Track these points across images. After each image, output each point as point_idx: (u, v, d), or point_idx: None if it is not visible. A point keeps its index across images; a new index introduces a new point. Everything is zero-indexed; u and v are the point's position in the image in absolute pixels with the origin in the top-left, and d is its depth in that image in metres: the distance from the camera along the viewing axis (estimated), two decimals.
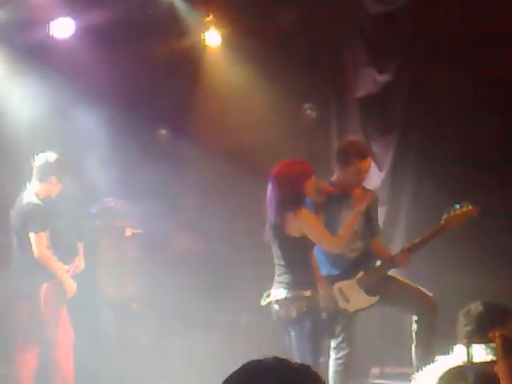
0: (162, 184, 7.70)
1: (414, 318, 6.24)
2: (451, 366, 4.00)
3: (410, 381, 4.85)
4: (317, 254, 6.20)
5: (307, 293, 5.75)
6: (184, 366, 7.01)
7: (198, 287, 7.29)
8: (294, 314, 5.74)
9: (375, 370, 7.17)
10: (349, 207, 6.26)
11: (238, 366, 1.84)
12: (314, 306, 5.76)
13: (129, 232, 7.69)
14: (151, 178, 7.60)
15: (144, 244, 7.67)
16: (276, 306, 5.81)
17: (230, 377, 1.82)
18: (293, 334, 5.76)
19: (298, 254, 5.80)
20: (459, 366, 3.99)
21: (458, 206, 6.19)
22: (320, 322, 5.82)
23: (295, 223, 5.75)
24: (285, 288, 5.77)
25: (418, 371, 5.77)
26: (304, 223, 5.77)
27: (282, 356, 1.87)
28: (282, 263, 5.81)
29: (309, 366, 1.86)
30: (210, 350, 7.10)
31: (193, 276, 7.32)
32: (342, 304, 6.12)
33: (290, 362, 1.84)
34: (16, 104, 7.65)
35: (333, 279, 6.17)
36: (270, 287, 5.86)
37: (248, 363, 1.84)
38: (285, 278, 5.79)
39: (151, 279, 7.39)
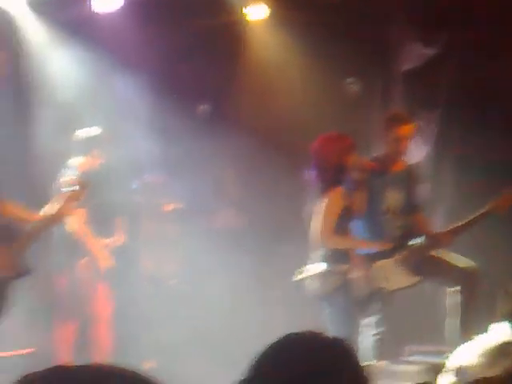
0: (203, 160, 7.69)
1: (453, 289, 6.13)
2: (492, 344, 3.95)
3: (446, 358, 4.80)
4: (357, 231, 6.14)
5: (342, 267, 5.72)
6: (223, 342, 7.02)
7: (241, 263, 7.27)
8: (328, 288, 5.70)
9: (411, 348, 7.11)
10: (393, 183, 6.19)
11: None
12: (348, 282, 5.71)
13: (169, 207, 7.70)
14: (192, 154, 7.60)
15: (185, 220, 7.67)
16: (311, 281, 5.78)
17: (266, 349, 1.84)
18: (328, 309, 5.73)
19: (336, 230, 5.75)
20: (502, 343, 3.94)
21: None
22: (354, 298, 5.78)
23: (326, 199, 5.72)
24: (320, 263, 5.74)
25: (453, 346, 5.74)
26: (326, 201, 5.70)
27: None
28: None
29: (343, 340, 1.87)
30: (251, 325, 7.11)
31: (235, 252, 7.30)
32: (381, 282, 6.07)
33: (325, 336, 1.85)
34: (58, 77, 7.68)
35: (372, 257, 6.12)
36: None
37: (283, 336, 1.86)
38: (320, 252, 5.75)
39: (192, 255, 7.39)
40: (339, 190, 5.72)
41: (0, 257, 4.45)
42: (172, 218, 7.68)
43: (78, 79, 7.60)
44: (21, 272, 4.64)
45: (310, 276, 5.78)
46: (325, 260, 5.74)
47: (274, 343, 1.84)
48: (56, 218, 4.91)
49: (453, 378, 4.06)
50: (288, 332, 1.86)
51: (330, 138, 5.90)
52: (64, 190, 5.07)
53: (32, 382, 1.49)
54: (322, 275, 5.72)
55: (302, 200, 5.96)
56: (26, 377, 1.50)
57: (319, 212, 5.71)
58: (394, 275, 6.08)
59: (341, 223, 5.72)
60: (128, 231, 7.11)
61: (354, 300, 5.78)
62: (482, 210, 6.15)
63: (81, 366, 1.53)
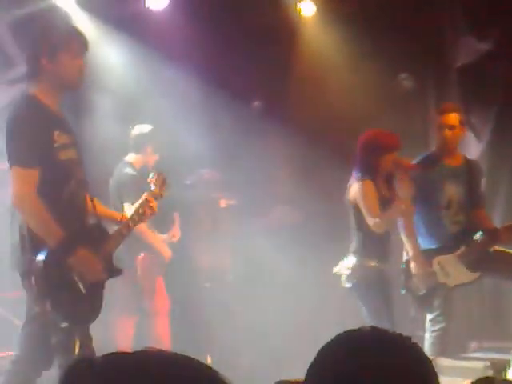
0: (257, 156, 7.67)
1: None
2: None
3: (511, 354, 4.74)
4: (417, 226, 6.11)
5: (372, 262, 5.75)
6: (278, 336, 7.00)
7: (296, 259, 7.23)
8: (356, 283, 5.75)
9: (474, 344, 7.04)
10: (453, 177, 6.14)
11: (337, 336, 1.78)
12: (379, 277, 5.77)
13: (224, 203, 7.69)
14: (246, 150, 7.58)
15: (239, 215, 7.66)
16: (343, 275, 5.84)
17: (327, 346, 1.77)
18: (361, 302, 5.80)
19: (361, 223, 5.82)
20: None
21: None
22: (387, 295, 5.82)
23: (355, 192, 5.84)
24: (352, 256, 5.79)
25: None
26: (359, 193, 5.81)
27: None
28: (352, 231, 5.95)
29: (408, 337, 1.78)
30: (308, 320, 7.08)
31: (290, 248, 7.27)
32: (441, 278, 6.02)
33: (388, 332, 1.77)
34: (111, 75, 7.70)
35: (432, 253, 6.07)
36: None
37: (344, 333, 1.78)
38: (352, 246, 5.88)
39: (246, 250, 7.38)
40: (368, 182, 5.81)
41: (93, 258, 4.41)
42: (227, 213, 7.68)
43: (130, 76, 7.61)
44: (113, 272, 4.63)
45: (342, 269, 5.82)
46: (355, 254, 5.83)
47: (334, 339, 1.77)
48: (143, 218, 4.91)
49: None
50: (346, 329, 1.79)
51: (376, 133, 6.02)
52: (148, 188, 5.07)
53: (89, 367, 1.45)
54: (351, 269, 5.78)
55: None
56: (82, 361, 1.46)
57: (361, 204, 5.81)
58: (455, 271, 6.03)
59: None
60: (183, 227, 7.12)
61: (384, 295, 5.82)
62: None
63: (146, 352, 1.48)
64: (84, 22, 7.80)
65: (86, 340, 4.39)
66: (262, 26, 7.98)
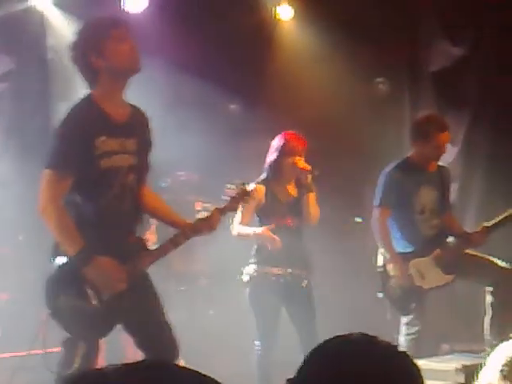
0: (233, 158, 7.68)
1: (489, 289, 6.16)
2: None
3: (482, 358, 4.78)
4: (392, 231, 6.16)
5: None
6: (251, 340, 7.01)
7: None
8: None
9: (445, 346, 7.10)
10: (427, 183, 6.20)
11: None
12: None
13: (199, 206, 7.69)
14: (222, 152, 7.59)
15: None
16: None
17: (314, 351, 1.78)
18: None
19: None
20: None
21: None
22: (392, 296, 5.86)
23: None
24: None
25: (489, 346, 5.73)
26: None
27: None
28: None
29: (396, 345, 1.80)
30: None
31: None
32: (417, 281, 6.08)
33: (378, 339, 1.77)
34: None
35: (408, 256, 6.13)
36: None
37: (333, 338, 1.80)
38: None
39: (221, 253, 7.38)
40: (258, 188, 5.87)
41: (113, 267, 4.19)
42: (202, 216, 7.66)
43: None
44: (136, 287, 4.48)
45: None
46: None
47: (322, 345, 1.78)
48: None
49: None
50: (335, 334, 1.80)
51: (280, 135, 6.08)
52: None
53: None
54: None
55: None
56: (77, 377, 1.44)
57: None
58: (430, 273, 6.10)
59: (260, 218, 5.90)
60: (157, 229, 7.10)
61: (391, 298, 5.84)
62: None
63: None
64: (61, 24, 7.82)
65: (91, 352, 4.20)
66: (239, 29, 8.01)
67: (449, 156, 7.62)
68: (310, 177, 5.87)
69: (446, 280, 6.14)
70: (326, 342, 1.79)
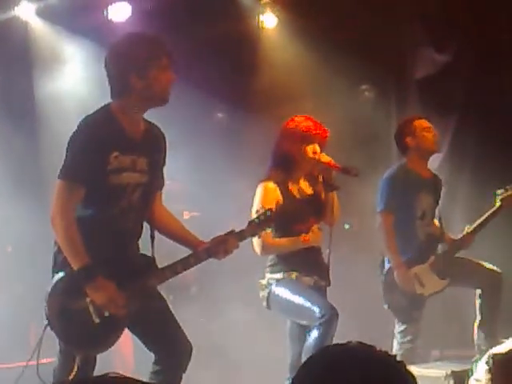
0: (220, 168, 7.67)
1: (478, 291, 6.19)
2: None
3: (472, 363, 4.79)
4: None
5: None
6: (241, 349, 7.00)
7: (260, 271, 7.22)
8: None
9: (435, 353, 7.12)
10: (425, 188, 6.22)
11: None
12: None
13: (187, 215, 7.68)
14: (209, 161, 7.58)
15: (202, 227, 7.63)
16: None
17: (311, 358, 1.78)
18: None
19: None
20: None
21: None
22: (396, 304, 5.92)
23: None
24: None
25: (479, 352, 5.75)
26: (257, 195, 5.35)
27: None
28: None
29: (394, 355, 1.81)
30: (269, 332, 7.08)
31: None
32: (418, 289, 6.08)
33: (374, 348, 1.77)
34: (69, 86, 7.69)
35: (407, 264, 6.12)
36: None
37: (330, 346, 1.81)
38: None
39: (210, 263, 7.37)
40: (267, 184, 5.32)
41: (115, 291, 4.12)
42: (190, 225, 7.64)
43: (93, 88, 7.59)
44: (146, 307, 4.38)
45: None
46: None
47: (319, 354, 1.79)
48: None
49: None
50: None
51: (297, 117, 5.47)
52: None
53: None
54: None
55: None
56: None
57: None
58: (429, 280, 6.13)
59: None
60: (144, 238, 7.07)
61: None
62: (495, 208, 6.23)
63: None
64: (45, 33, 7.81)
65: (87, 365, 4.18)
66: (223, 37, 8.01)
67: (434, 162, 7.67)
68: (333, 173, 5.25)
69: (442, 285, 6.18)
70: (322, 350, 1.80)
